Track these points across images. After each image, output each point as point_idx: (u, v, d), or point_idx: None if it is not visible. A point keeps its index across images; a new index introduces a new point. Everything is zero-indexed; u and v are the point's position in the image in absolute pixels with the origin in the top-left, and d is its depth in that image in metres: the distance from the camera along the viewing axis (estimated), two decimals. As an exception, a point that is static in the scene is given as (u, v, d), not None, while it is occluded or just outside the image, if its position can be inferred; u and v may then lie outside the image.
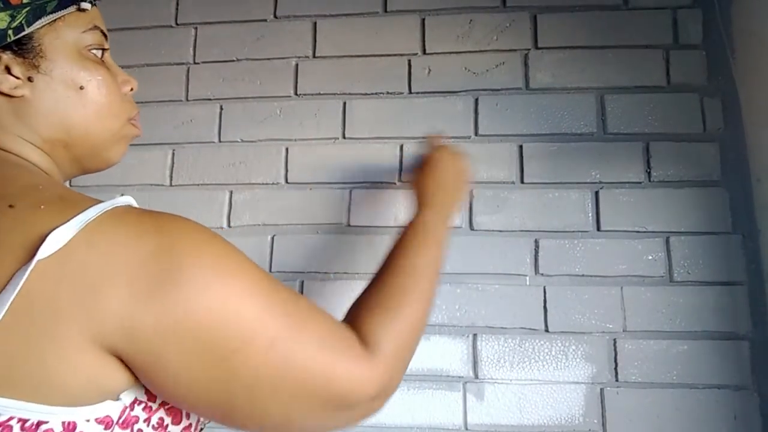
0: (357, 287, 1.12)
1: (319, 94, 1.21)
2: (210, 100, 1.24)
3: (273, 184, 1.19)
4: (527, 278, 1.09)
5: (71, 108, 0.55)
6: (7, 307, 0.42)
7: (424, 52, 1.20)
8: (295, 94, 1.22)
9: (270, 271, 1.15)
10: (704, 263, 1.06)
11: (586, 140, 1.12)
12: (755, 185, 1.06)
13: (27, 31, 0.52)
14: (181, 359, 0.46)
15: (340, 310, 1.11)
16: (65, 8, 0.55)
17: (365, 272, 1.12)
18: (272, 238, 1.16)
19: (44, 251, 0.43)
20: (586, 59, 1.15)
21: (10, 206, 0.46)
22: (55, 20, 0.54)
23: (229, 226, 1.18)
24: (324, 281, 1.13)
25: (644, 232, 1.08)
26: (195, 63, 1.26)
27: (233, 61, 1.24)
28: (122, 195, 0.53)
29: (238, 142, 1.21)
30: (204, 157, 1.21)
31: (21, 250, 0.43)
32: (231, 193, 1.19)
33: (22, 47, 0.52)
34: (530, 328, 1.07)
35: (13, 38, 0.51)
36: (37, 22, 0.52)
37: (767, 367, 1.01)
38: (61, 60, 0.54)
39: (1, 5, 0.50)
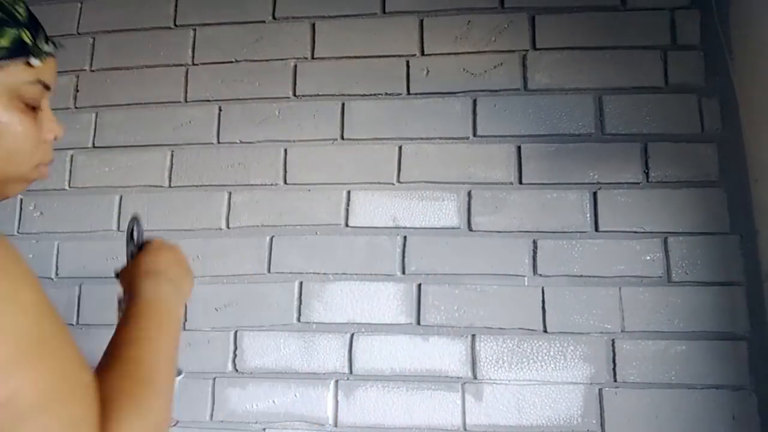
0: (355, 288, 1.12)
1: (318, 95, 1.21)
2: (209, 101, 1.24)
3: (272, 185, 1.19)
4: (525, 279, 1.09)
5: None
6: None
7: (422, 53, 1.20)
8: (294, 95, 1.22)
9: (269, 271, 1.15)
10: (702, 263, 1.06)
11: (584, 141, 1.13)
12: (753, 185, 1.06)
13: None
14: None
15: (340, 310, 1.12)
16: (13, 59, 0.55)
17: (364, 273, 1.12)
18: (271, 239, 1.16)
19: None
20: (584, 60, 1.15)
21: None
22: None
23: (228, 227, 1.18)
24: (323, 282, 1.13)
25: (642, 232, 1.08)
26: (194, 64, 1.26)
27: (232, 62, 1.24)
28: None
29: (236, 143, 1.22)
30: (203, 159, 1.21)
31: None
32: (230, 194, 1.20)
33: None
34: (529, 329, 1.07)
35: None
36: None
37: (765, 367, 1.01)
38: None
39: None
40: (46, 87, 0.59)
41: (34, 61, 0.56)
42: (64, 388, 0.47)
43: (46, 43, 0.59)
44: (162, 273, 0.73)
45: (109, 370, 0.59)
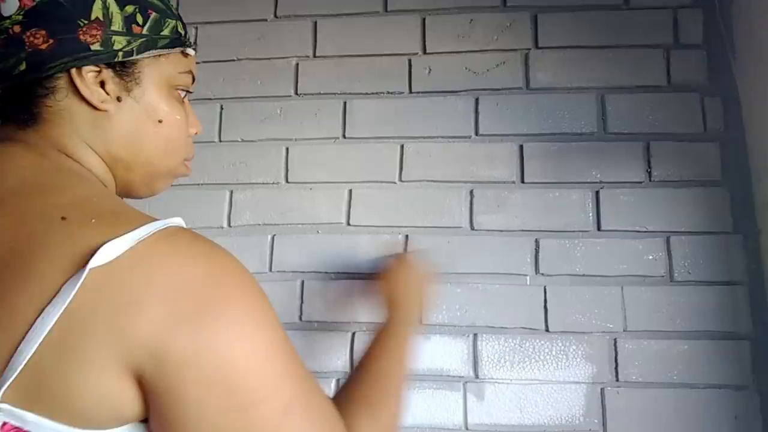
0: (357, 287, 1.12)
1: (320, 93, 1.21)
2: (210, 99, 1.24)
3: (273, 183, 1.19)
4: (528, 278, 1.09)
5: (145, 136, 0.58)
6: (55, 321, 0.41)
7: (424, 51, 1.19)
8: (296, 93, 1.22)
9: (270, 270, 1.15)
10: (705, 263, 1.06)
11: (587, 140, 1.12)
12: (756, 185, 1.06)
13: (134, 57, 0.56)
14: (198, 393, 0.44)
15: (341, 310, 1.12)
16: (173, 48, 0.59)
17: (365, 272, 1.12)
18: (272, 238, 1.16)
19: (94, 264, 0.42)
20: (586, 59, 1.15)
21: (63, 218, 0.46)
22: (160, 55, 0.58)
23: (229, 225, 1.18)
24: (324, 281, 1.13)
25: (645, 231, 1.08)
26: (195, 62, 1.25)
27: (234, 60, 1.24)
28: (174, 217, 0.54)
29: (238, 141, 1.21)
30: (204, 157, 1.21)
31: (69, 263, 0.43)
32: (231, 192, 1.19)
33: (124, 69, 0.56)
34: (531, 328, 1.07)
35: (120, 59, 0.55)
36: (146, 53, 0.56)
37: (768, 366, 1.01)
38: (152, 91, 0.58)
39: (124, 31, 0.55)
40: (193, 79, 0.63)
41: (189, 51, 0.61)
42: (317, 394, 0.54)
43: (191, 38, 0.65)
44: (400, 305, 0.89)
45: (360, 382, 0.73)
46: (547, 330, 1.07)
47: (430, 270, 0.99)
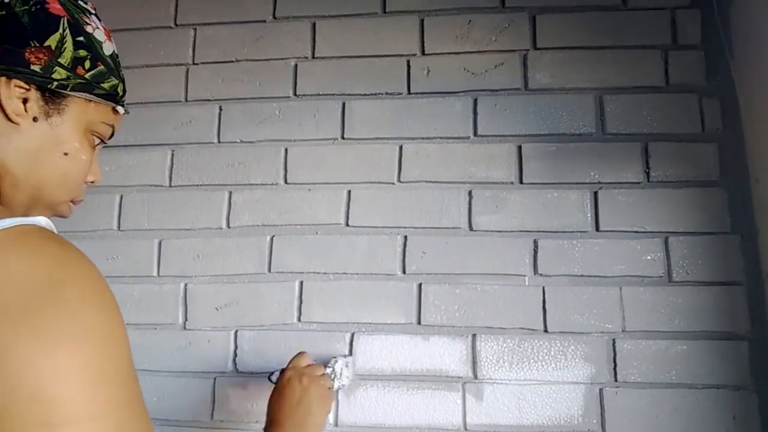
0: (356, 288, 1.12)
1: (318, 94, 1.21)
2: (209, 100, 1.24)
3: (272, 184, 1.19)
4: (526, 278, 1.09)
5: (46, 161, 0.59)
6: None
7: (423, 52, 1.20)
8: (294, 94, 1.22)
9: (269, 271, 1.15)
10: (703, 263, 1.06)
11: (585, 140, 1.13)
12: (754, 185, 1.06)
13: (66, 92, 0.59)
14: (3, 398, 0.41)
15: (340, 311, 1.12)
16: (106, 101, 0.64)
17: (364, 272, 1.12)
18: (271, 239, 1.16)
19: None
20: (584, 60, 1.15)
21: None
22: (91, 101, 0.62)
23: (228, 226, 1.18)
24: (323, 281, 1.13)
25: (643, 232, 1.08)
26: (194, 64, 1.26)
27: (232, 61, 1.24)
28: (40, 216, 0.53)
29: (237, 142, 1.22)
30: (203, 158, 1.21)
31: None
32: (230, 193, 1.19)
33: (52, 97, 0.58)
34: (529, 329, 1.07)
35: (52, 88, 0.58)
36: (79, 93, 0.60)
37: (766, 366, 1.01)
38: (69, 125, 0.60)
39: (69, 67, 0.59)
40: (112, 134, 0.67)
41: (119, 108, 0.66)
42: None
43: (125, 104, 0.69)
44: (283, 426, 0.86)
45: None
46: (545, 330, 1.07)
47: (327, 391, 0.93)
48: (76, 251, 0.49)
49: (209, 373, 1.13)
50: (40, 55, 0.56)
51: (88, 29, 0.61)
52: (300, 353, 0.97)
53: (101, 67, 0.62)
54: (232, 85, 1.24)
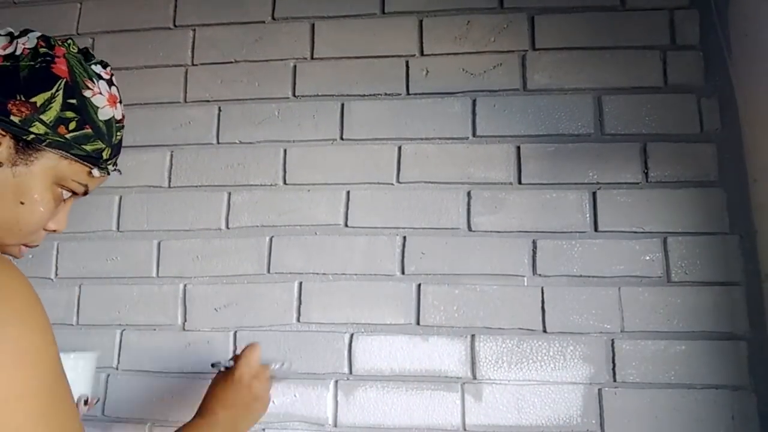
0: (355, 288, 1.12)
1: (317, 95, 1.21)
2: (208, 101, 1.24)
3: (271, 185, 1.19)
4: (525, 279, 1.09)
5: (0, 206, 0.60)
6: None
7: (421, 53, 1.20)
8: (293, 95, 1.22)
9: (268, 271, 1.15)
10: (702, 263, 1.06)
11: (584, 141, 1.13)
12: (752, 185, 1.06)
13: (40, 146, 0.60)
14: None
15: (339, 312, 1.12)
16: (84, 162, 0.64)
17: (363, 273, 1.12)
18: (270, 239, 1.16)
19: None
20: (583, 60, 1.15)
21: None
22: (66, 158, 0.63)
23: (227, 227, 1.18)
24: (322, 282, 1.14)
25: (642, 232, 1.08)
26: (193, 65, 1.26)
27: (231, 62, 1.24)
28: None
29: (236, 143, 1.22)
30: (202, 159, 1.22)
31: None
32: (229, 194, 1.20)
33: (25, 148, 0.60)
34: (528, 329, 1.07)
35: (27, 140, 0.59)
36: (54, 150, 0.61)
37: (765, 367, 1.01)
38: (34, 177, 0.61)
39: (50, 124, 0.60)
40: (85, 192, 0.68)
41: (95, 171, 0.66)
42: None
43: (113, 165, 0.70)
44: (217, 416, 0.86)
45: None
46: (544, 331, 1.07)
47: (269, 396, 0.93)
48: (5, 266, 0.49)
49: (208, 374, 1.12)
50: (23, 109, 0.59)
51: (87, 93, 0.63)
52: (253, 345, 0.93)
53: (88, 130, 0.63)
54: (231, 85, 1.24)
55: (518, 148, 1.14)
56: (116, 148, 0.69)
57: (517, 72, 1.17)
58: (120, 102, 0.69)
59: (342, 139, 1.19)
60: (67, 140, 0.62)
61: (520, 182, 1.13)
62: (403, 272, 1.12)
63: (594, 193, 1.11)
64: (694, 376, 1.02)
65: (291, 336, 1.12)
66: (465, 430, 1.05)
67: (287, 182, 1.18)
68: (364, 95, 1.19)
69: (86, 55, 0.67)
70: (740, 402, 1.01)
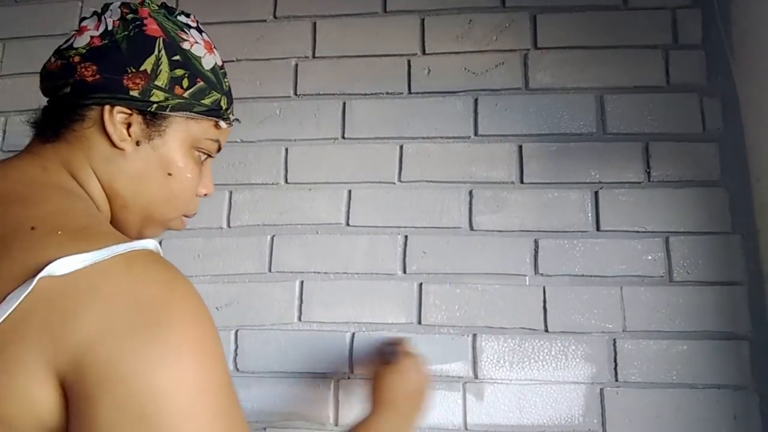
0: (357, 287, 1.12)
1: (319, 94, 1.21)
2: (210, 100, 1.23)
3: (272, 184, 1.19)
4: (527, 278, 1.09)
5: (152, 183, 0.62)
6: None
7: (423, 52, 1.20)
8: (295, 94, 1.22)
9: (270, 271, 1.15)
10: (704, 263, 1.06)
11: (586, 140, 1.13)
12: (755, 185, 1.06)
13: (166, 113, 0.60)
14: (111, 416, 0.42)
15: (341, 311, 1.12)
16: (207, 117, 0.64)
17: (365, 272, 1.12)
18: (272, 238, 1.16)
19: (43, 275, 0.43)
20: (585, 59, 1.15)
21: (32, 228, 0.48)
22: (192, 118, 0.63)
23: (228, 226, 1.18)
24: (324, 281, 1.13)
25: (644, 232, 1.08)
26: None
27: (233, 61, 1.24)
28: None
29: (237, 142, 1.21)
30: (204, 158, 1.21)
31: (23, 272, 0.44)
32: (231, 193, 1.19)
33: (153, 119, 0.60)
34: (530, 328, 1.07)
35: (152, 110, 0.59)
36: (179, 113, 0.61)
37: (767, 367, 1.01)
38: (171, 145, 0.62)
39: (167, 88, 0.60)
40: (219, 148, 0.69)
41: (222, 123, 0.66)
42: None
43: (232, 114, 0.70)
44: (400, 407, 0.84)
45: None
46: (546, 330, 1.07)
47: (427, 376, 0.92)
48: (179, 274, 0.50)
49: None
50: (138, 80, 0.58)
51: (185, 46, 0.62)
52: (407, 341, 0.94)
53: (201, 84, 0.63)
54: (233, 84, 1.22)
55: (520, 147, 1.14)
56: (230, 95, 0.69)
57: (519, 71, 1.16)
58: (215, 47, 0.68)
59: (343, 138, 1.18)
60: (187, 99, 0.61)
61: (522, 181, 1.13)
62: (404, 271, 1.12)
63: (596, 193, 1.11)
64: (696, 375, 1.02)
65: (292, 335, 1.12)
66: (467, 429, 1.05)
67: (288, 181, 1.18)
68: (366, 94, 1.19)
69: (168, 8, 0.65)
70: (742, 402, 1.00)
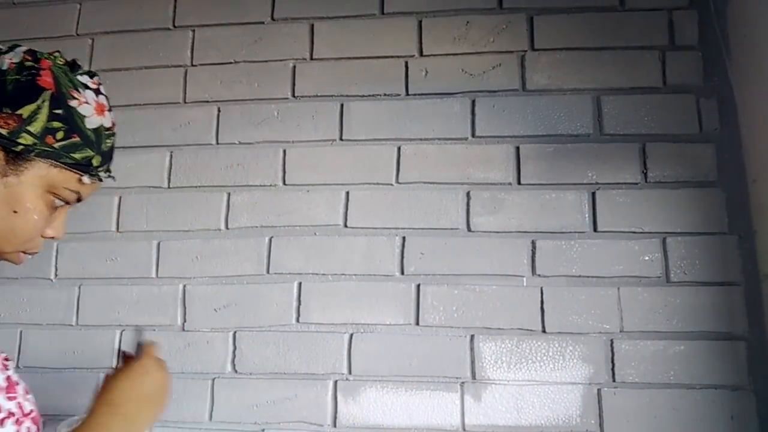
0: (355, 288, 1.12)
1: (317, 96, 1.21)
2: (208, 102, 1.24)
3: (271, 185, 1.19)
4: (524, 279, 1.09)
5: None
6: None
7: (421, 53, 1.20)
8: (293, 96, 1.22)
9: (268, 272, 1.15)
10: (701, 264, 1.06)
11: (583, 141, 1.13)
12: (751, 186, 1.06)
13: (30, 156, 0.61)
14: None
15: (339, 311, 1.12)
16: (74, 170, 0.65)
17: (363, 273, 1.13)
18: (270, 240, 1.17)
19: None
20: (582, 60, 1.15)
21: None
22: (56, 166, 0.63)
23: (227, 227, 1.18)
24: (322, 282, 1.14)
25: (641, 232, 1.08)
26: (193, 65, 1.26)
27: (231, 63, 1.24)
28: None
29: (235, 144, 1.22)
30: (202, 159, 1.22)
31: None
32: (229, 195, 1.20)
33: (16, 159, 0.61)
34: (527, 329, 1.07)
35: (16, 151, 0.60)
36: (44, 159, 0.62)
37: (764, 367, 1.01)
38: (25, 186, 0.62)
39: (38, 135, 0.61)
40: (78, 199, 0.69)
41: (86, 179, 0.67)
42: None
43: (105, 172, 0.70)
44: (119, 407, 0.77)
45: None
46: (543, 331, 1.07)
47: (166, 378, 0.85)
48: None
49: (208, 374, 1.13)
50: (10, 121, 0.60)
51: (72, 103, 0.64)
52: (152, 343, 0.87)
53: (75, 139, 0.64)
54: (231, 86, 1.24)
55: (517, 148, 1.14)
56: (107, 155, 0.70)
57: (516, 72, 1.17)
58: (109, 110, 0.70)
59: (341, 139, 1.19)
60: (56, 149, 0.63)
61: (519, 182, 1.13)
62: (402, 272, 1.12)
63: (593, 194, 1.11)
64: (693, 376, 1.02)
65: (290, 336, 1.12)
66: (464, 430, 1.05)
67: (287, 183, 1.19)
68: (364, 96, 1.20)
69: (72, 66, 0.67)
70: (739, 402, 1.01)
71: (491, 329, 1.08)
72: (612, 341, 1.05)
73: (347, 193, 1.16)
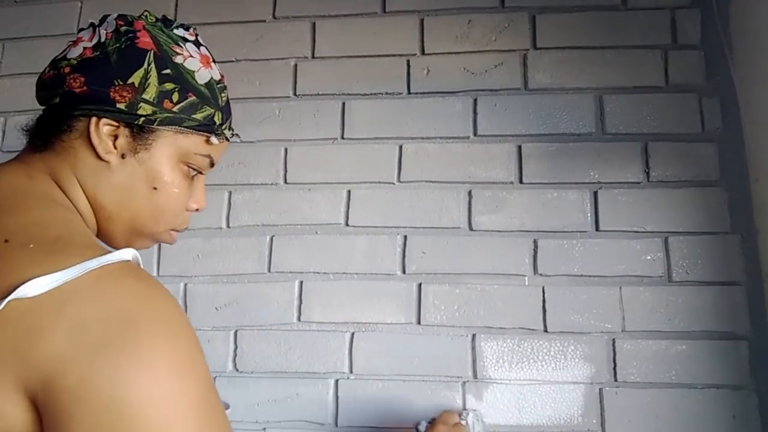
0: (356, 287, 1.12)
1: (318, 94, 1.21)
2: (209, 100, 1.23)
3: (272, 184, 1.19)
4: (526, 278, 1.09)
5: (136, 197, 0.61)
6: None
7: (422, 52, 1.20)
8: (294, 94, 1.22)
9: (269, 271, 1.15)
10: (703, 263, 1.06)
11: (585, 140, 1.13)
12: (754, 185, 1.06)
13: (153, 126, 0.59)
14: (86, 430, 0.41)
15: (339, 312, 1.12)
16: (199, 132, 0.62)
17: (364, 272, 1.12)
18: (271, 239, 1.16)
19: (13, 297, 0.42)
20: (584, 59, 1.15)
21: (6, 240, 0.47)
22: (181, 132, 0.61)
23: (228, 226, 1.18)
24: (323, 281, 1.13)
25: (643, 232, 1.08)
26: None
27: (232, 61, 1.24)
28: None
29: (237, 142, 1.21)
30: (203, 158, 1.21)
31: None
32: (230, 193, 1.20)
33: (140, 133, 0.59)
34: (529, 328, 1.07)
35: (139, 123, 0.59)
36: (167, 127, 0.60)
37: (766, 366, 1.01)
38: (158, 159, 0.61)
39: (154, 102, 0.59)
40: (211, 164, 0.67)
41: (214, 139, 0.64)
42: None
43: (229, 129, 0.69)
44: None
45: None
46: (545, 330, 1.07)
47: None
48: (153, 285, 0.49)
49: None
50: (125, 93, 0.58)
51: (178, 59, 0.61)
52: (448, 412, 0.94)
53: (192, 98, 0.61)
54: (232, 84, 1.21)
55: (519, 147, 1.14)
56: (226, 110, 0.67)
57: (518, 71, 1.16)
58: (214, 61, 0.66)
59: (343, 138, 1.19)
60: (176, 113, 0.60)
61: (521, 182, 1.13)
62: (403, 271, 1.12)
63: (595, 193, 1.11)
64: (695, 375, 1.02)
65: (291, 335, 1.12)
66: (466, 429, 1.05)
67: (288, 181, 1.18)
68: (365, 94, 1.19)
69: (165, 21, 0.64)
70: (741, 402, 1.00)
71: (493, 328, 1.08)
72: (614, 341, 1.05)
73: (349, 191, 1.16)
